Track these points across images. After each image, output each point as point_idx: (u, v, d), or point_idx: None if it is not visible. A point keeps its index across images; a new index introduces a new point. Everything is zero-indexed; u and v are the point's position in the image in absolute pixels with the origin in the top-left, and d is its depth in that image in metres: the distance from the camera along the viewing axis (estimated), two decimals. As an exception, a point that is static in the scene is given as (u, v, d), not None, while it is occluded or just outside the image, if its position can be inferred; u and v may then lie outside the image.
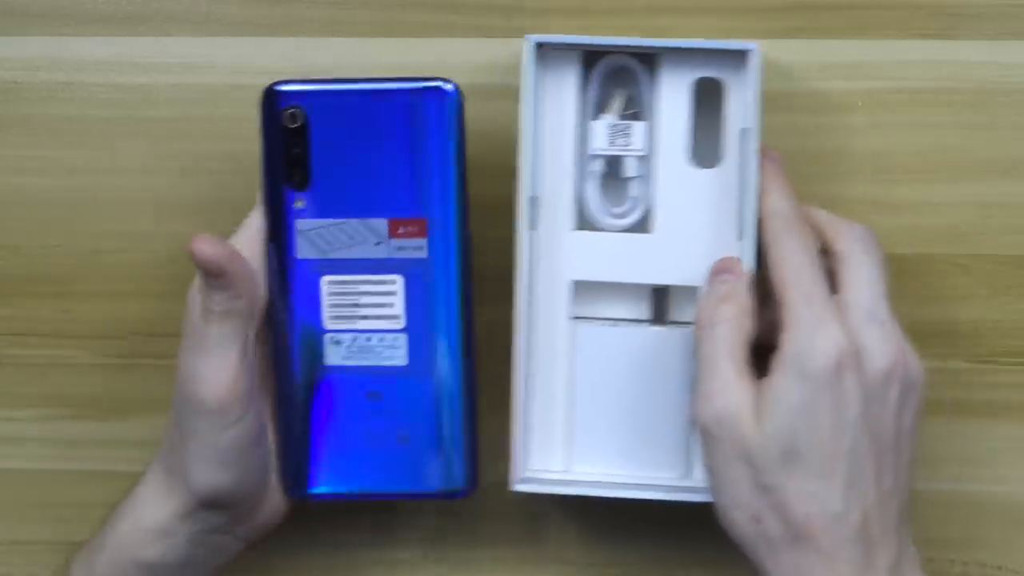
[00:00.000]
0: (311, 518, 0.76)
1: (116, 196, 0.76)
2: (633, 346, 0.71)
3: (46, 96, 0.75)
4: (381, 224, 0.69)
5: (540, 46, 0.70)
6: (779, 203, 0.68)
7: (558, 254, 0.71)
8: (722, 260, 0.69)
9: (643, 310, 0.72)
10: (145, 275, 0.75)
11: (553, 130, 0.71)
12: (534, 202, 0.70)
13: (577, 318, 0.72)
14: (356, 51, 0.74)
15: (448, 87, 0.68)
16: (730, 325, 0.66)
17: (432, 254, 0.69)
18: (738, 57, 0.70)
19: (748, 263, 0.69)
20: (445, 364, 0.70)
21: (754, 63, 0.69)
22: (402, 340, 0.70)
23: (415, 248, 0.69)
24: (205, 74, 0.75)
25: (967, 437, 0.75)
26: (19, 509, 0.77)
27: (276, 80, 0.69)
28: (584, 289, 0.72)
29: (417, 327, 0.70)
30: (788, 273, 0.66)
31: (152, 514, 0.68)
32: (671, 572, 0.76)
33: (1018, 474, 0.75)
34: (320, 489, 0.71)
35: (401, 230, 0.69)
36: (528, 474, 0.71)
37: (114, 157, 0.76)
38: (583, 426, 0.72)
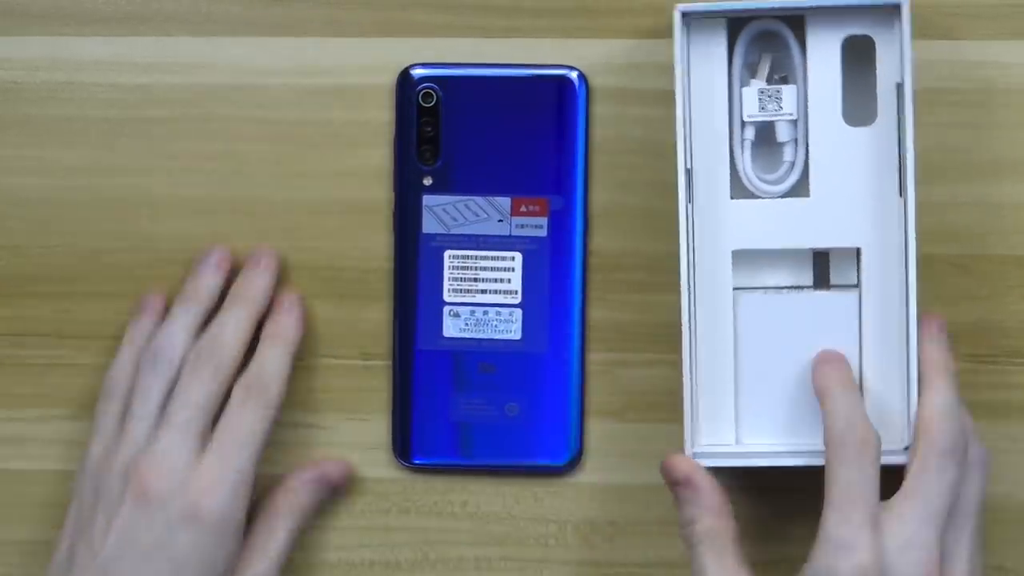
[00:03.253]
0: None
1: (116, 196, 0.76)
2: (797, 313, 0.72)
3: (46, 96, 0.75)
4: (504, 202, 0.73)
5: (685, 16, 0.70)
6: (943, 395, 0.68)
7: (717, 225, 0.72)
8: (677, 465, 0.69)
9: (805, 275, 0.73)
10: (145, 275, 0.75)
11: (703, 100, 0.71)
12: (690, 174, 0.71)
13: (738, 288, 0.72)
14: (356, 51, 0.74)
15: (574, 75, 0.73)
16: (709, 542, 0.68)
17: (551, 233, 0.73)
18: (887, 12, 0.70)
19: (911, 220, 0.69)
20: (557, 340, 0.73)
21: (906, 16, 0.69)
22: (517, 315, 0.73)
23: (535, 226, 0.73)
24: (205, 74, 0.75)
25: (968, 437, 0.75)
26: (19, 509, 0.76)
27: (412, 63, 0.74)
28: (744, 258, 0.72)
29: (532, 303, 0.73)
30: (835, 490, 0.66)
31: None
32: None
33: (1019, 474, 0.75)
34: (427, 459, 0.74)
35: (523, 208, 0.73)
36: (699, 449, 0.71)
37: (114, 157, 0.76)
38: (750, 397, 0.72)
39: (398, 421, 0.75)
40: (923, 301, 0.70)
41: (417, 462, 0.75)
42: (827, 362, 0.70)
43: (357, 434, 0.76)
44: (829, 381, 0.69)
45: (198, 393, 0.70)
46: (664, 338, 0.74)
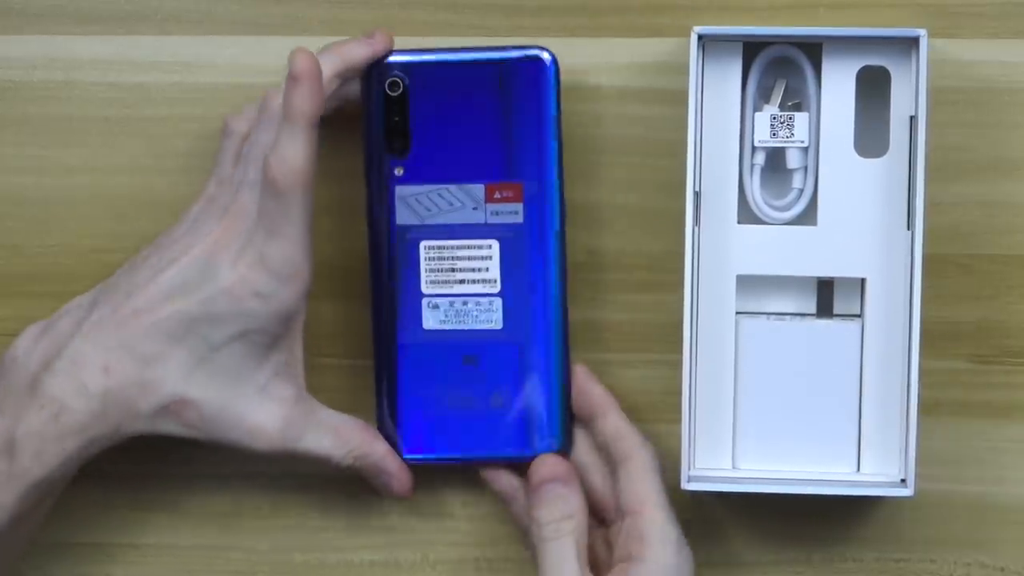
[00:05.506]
0: (310, 519, 0.76)
1: (116, 196, 0.76)
2: (799, 340, 0.72)
3: (44, 95, 0.75)
4: (478, 189, 0.71)
5: (701, 38, 0.70)
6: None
7: (722, 249, 0.71)
8: (546, 465, 0.71)
9: (808, 303, 0.73)
10: (144, 275, 0.75)
11: (715, 123, 0.71)
12: (698, 197, 0.70)
13: (741, 313, 0.72)
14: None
15: (545, 55, 0.71)
16: (575, 536, 0.69)
17: (528, 219, 0.71)
18: (904, 44, 0.70)
19: (918, 254, 0.69)
20: (539, 328, 0.72)
21: (923, 49, 0.69)
22: (497, 304, 0.72)
23: (511, 213, 0.71)
24: (205, 74, 0.75)
25: (969, 437, 0.75)
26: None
27: None
28: (748, 283, 0.72)
29: (512, 291, 0.72)
30: (650, 490, 0.70)
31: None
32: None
33: (1020, 475, 0.75)
34: (415, 454, 0.73)
35: (497, 195, 0.71)
36: (695, 472, 0.71)
37: (113, 156, 0.75)
38: (748, 422, 0.72)
39: (382, 418, 0.73)
40: (925, 300, 0.70)
41: (406, 456, 0.73)
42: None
43: (357, 434, 0.76)
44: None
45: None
46: (664, 338, 0.74)
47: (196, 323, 0.68)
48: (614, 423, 0.71)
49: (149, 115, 0.75)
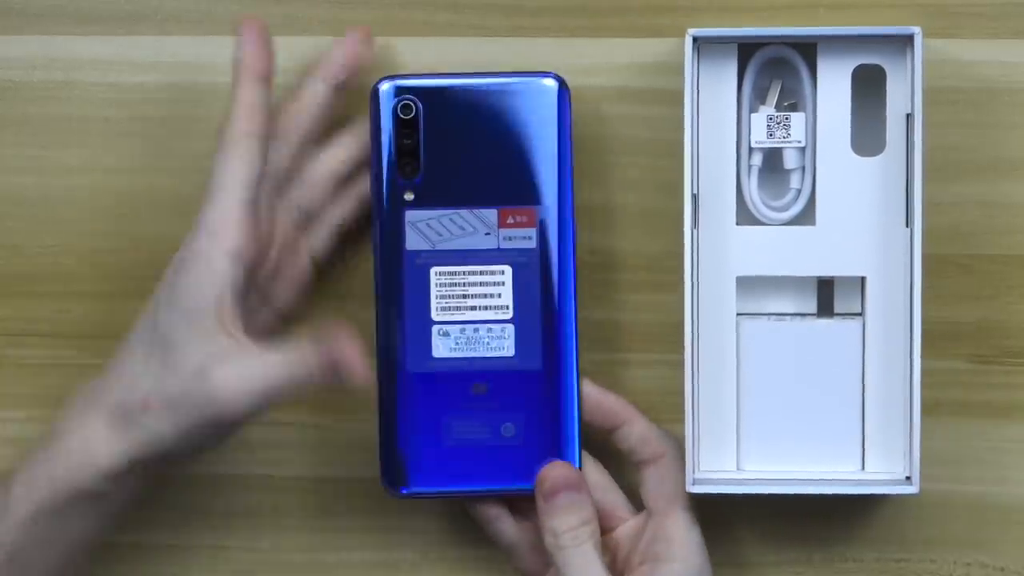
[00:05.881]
0: (310, 519, 0.76)
1: (115, 196, 0.76)
2: (800, 340, 0.72)
3: (44, 96, 0.75)
4: (491, 214, 0.71)
5: (696, 40, 0.70)
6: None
7: (721, 250, 0.71)
8: (555, 471, 0.70)
9: (808, 303, 0.73)
10: (144, 275, 0.75)
11: (712, 125, 0.71)
12: (696, 199, 0.70)
13: (742, 314, 0.72)
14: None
15: (551, 82, 0.70)
16: (593, 540, 0.69)
17: (540, 244, 0.71)
18: (899, 42, 0.70)
19: (917, 251, 0.69)
20: (552, 355, 0.71)
21: (918, 47, 0.69)
22: (510, 331, 0.71)
23: (523, 238, 0.71)
24: (205, 74, 0.75)
25: (969, 437, 0.75)
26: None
27: (384, 75, 0.71)
28: (748, 284, 0.72)
29: (524, 317, 0.71)
30: (678, 492, 0.71)
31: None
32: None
33: (1021, 475, 0.75)
34: (424, 487, 0.72)
35: (510, 220, 0.70)
36: (700, 475, 0.71)
37: (113, 157, 0.75)
38: (752, 423, 0.72)
39: (387, 450, 0.72)
40: (925, 300, 0.70)
41: (404, 492, 0.72)
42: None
43: (358, 434, 0.75)
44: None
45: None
46: (665, 338, 0.74)
47: (153, 308, 0.68)
48: (640, 429, 0.71)
49: (149, 115, 0.75)
